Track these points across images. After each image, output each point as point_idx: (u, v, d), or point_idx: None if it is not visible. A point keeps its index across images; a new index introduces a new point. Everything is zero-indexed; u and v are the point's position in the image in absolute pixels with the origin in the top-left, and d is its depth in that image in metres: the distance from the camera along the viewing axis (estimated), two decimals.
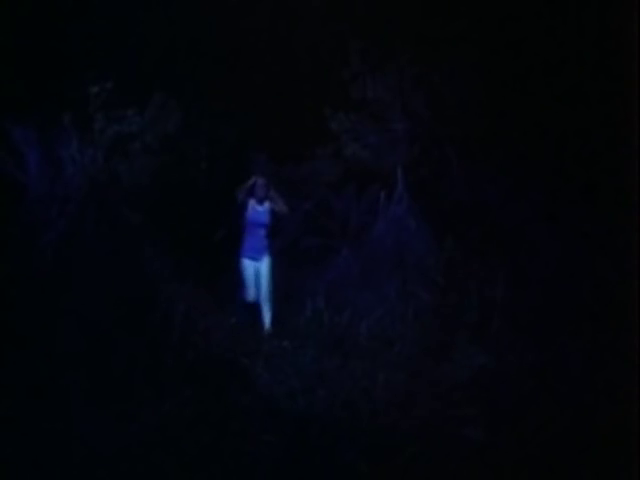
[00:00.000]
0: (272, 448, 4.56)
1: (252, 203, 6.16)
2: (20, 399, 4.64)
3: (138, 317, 5.38)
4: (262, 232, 6.14)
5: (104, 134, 6.20)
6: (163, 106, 6.27)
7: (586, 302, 5.29)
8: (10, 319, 5.18)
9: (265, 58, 6.16)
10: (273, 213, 6.14)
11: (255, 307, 6.09)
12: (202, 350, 5.32)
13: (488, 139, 5.82)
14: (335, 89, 6.24)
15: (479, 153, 5.89)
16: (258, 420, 4.73)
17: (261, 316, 6.06)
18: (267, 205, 6.12)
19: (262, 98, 6.27)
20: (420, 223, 6.05)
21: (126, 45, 6.16)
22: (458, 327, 5.56)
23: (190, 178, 6.23)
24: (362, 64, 6.18)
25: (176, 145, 6.25)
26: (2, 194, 5.64)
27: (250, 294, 6.12)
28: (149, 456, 4.43)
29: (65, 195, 5.80)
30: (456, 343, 5.42)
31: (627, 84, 5.06)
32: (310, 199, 6.33)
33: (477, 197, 5.87)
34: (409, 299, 5.76)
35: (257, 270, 6.16)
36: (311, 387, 5.09)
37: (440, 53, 5.97)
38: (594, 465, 4.42)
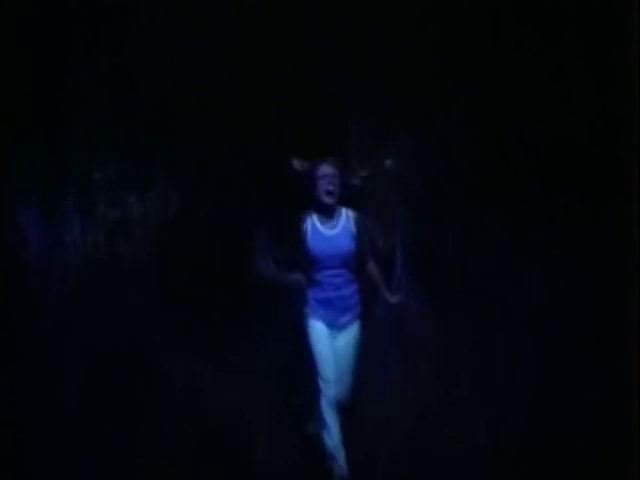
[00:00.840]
0: None
1: (313, 221, 5.17)
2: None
3: (137, 388, 5.34)
4: (341, 273, 5.08)
5: (106, 218, 6.29)
6: (163, 192, 6.39)
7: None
8: (8, 391, 5.16)
9: (262, 141, 6.25)
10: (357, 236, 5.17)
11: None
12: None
13: (486, 212, 5.87)
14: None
15: (477, 227, 5.93)
16: None
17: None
18: (345, 222, 5.16)
19: (261, 183, 6.33)
20: (419, 301, 6.02)
21: (128, 133, 6.29)
22: (461, 405, 5.52)
23: (190, 256, 6.23)
24: (360, 146, 6.30)
25: (176, 228, 6.31)
26: (4, 269, 5.69)
27: (333, 391, 4.97)
28: None
29: (65, 273, 5.84)
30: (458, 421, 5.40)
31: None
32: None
33: (475, 269, 5.88)
34: (409, 376, 5.71)
35: (335, 348, 5.04)
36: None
37: (438, 135, 6.09)
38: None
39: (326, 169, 5.23)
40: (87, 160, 6.18)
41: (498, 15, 5.93)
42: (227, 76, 6.14)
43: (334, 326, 5.14)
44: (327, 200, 5.18)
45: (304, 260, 5.21)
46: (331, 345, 5.11)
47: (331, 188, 5.16)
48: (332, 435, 4.88)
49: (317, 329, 5.09)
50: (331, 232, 5.15)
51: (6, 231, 5.84)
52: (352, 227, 5.24)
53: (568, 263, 5.61)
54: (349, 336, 5.16)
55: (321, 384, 5.00)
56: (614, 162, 5.59)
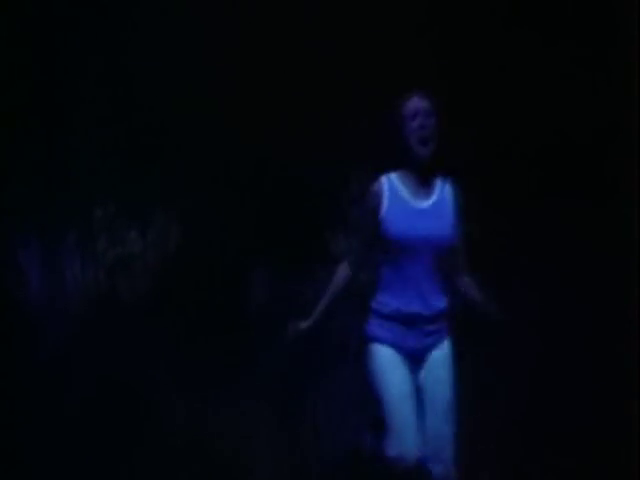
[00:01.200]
0: None
1: (394, 185, 3.46)
2: None
3: (133, 429, 5.34)
4: (429, 271, 3.41)
5: (106, 255, 6.29)
6: (164, 228, 6.39)
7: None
8: (8, 431, 5.14)
9: (265, 183, 6.28)
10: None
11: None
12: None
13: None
14: (335, 213, 6.35)
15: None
16: None
17: None
18: (443, 194, 3.51)
19: (262, 224, 6.35)
20: None
21: (129, 171, 6.30)
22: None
23: (190, 294, 6.23)
24: (360, 189, 6.32)
25: (176, 264, 6.31)
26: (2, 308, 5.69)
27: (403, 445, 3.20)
28: None
29: (65, 310, 5.84)
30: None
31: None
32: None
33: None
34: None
35: (419, 381, 3.42)
36: None
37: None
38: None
39: (418, 104, 3.52)
40: (87, 197, 6.18)
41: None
42: (229, 116, 6.14)
43: (412, 356, 3.51)
44: (423, 152, 3.47)
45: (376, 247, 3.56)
46: (411, 381, 3.43)
47: (427, 133, 3.45)
48: None
49: (386, 356, 3.44)
50: (422, 204, 3.48)
51: (6, 272, 5.83)
52: (451, 204, 3.56)
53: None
54: (438, 369, 3.49)
55: (387, 442, 3.34)
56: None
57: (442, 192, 3.58)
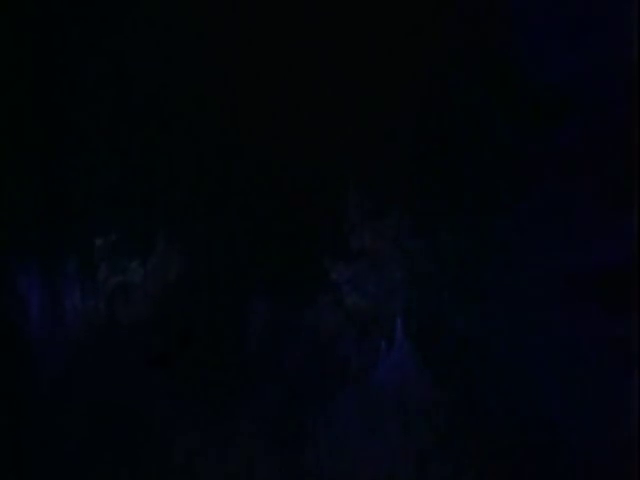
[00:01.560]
0: None
1: None
2: None
3: (135, 461, 5.31)
4: None
5: (107, 284, 6.29)
6: (165, 257, 6.40)
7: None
8: (8, 455, 5.15)
9: (264, 211, 6.29)
10: None
11: None
12: None
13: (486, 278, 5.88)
14: (334, 240, 6.35)
15: (477, 292, 5.94)
16: None
17: None
18: None
19: (262, 250, 6.36)
20: (421, 367, 6.01)
21: (129, 199, 6.32)
22: (462, 469, 5.49)
23: (190, 323, 6.23)
24: (360, 216, 6.34)
25: (177, 293, 6.32)
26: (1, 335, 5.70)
27: None
28: None
29: (65, 339, 5.84)
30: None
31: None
32: (310, 345, 6.31)
33: (476, 335, 5.87)
34: (411, 444, 5.67)
35: None
36: None
37: (438, 203, 6.13)
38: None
39: None
40: (88, 227, 6.21)
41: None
42: (229, 140, 6.18)
43: None
44: None
45: None
46: None
47: None
48: None
49: None
50: None
51: (6, 300, 5.84)
52: None
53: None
54: None
55: None
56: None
57: None
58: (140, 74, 6.18)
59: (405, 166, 6.13)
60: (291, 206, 6.27)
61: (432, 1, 5.99)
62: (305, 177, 6.17)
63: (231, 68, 6.14)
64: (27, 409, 5.63)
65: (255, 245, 6.31)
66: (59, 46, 6.07)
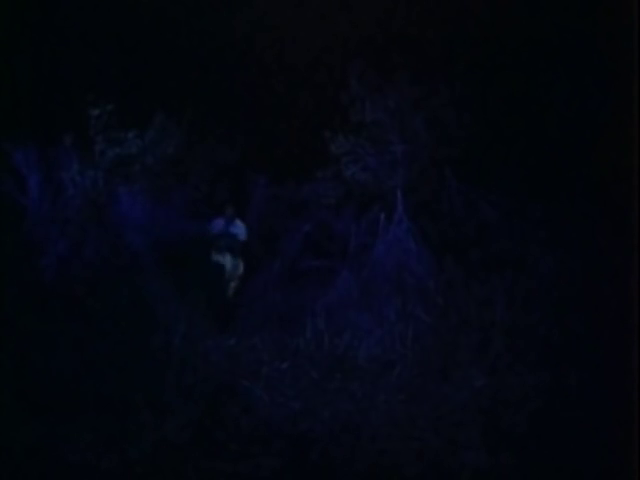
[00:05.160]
0: (272, 471, 4.54)
1: None
2: (17, 416, 4.63)
3: (137, 338, 5.38)
4: None
5: (104, 156, 6.22)
6: (163, 128, 6.31)
7: (586, 321, 5.29)
8: (10, 340, 5.20)
9: (265, 81, 6.17)
10: None
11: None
12: (201, 372, 5.30)
13: (487, 160, 5.83)
14: (334, 112, 6.24)
15: (478, 174, 5.90)
16: (258, 442, 4.72)
17: None
18: None
19: (262, 121, 6.28)
20: (420, 244, 6.04)
21: (127, 67, 6.18)
22: (458, 348, 5.57)
23: (190, 199, 6.21)
24: (360, 87, 6.21)
25: (176, 167, 6.27)
26: (2, 215, 5.68)
27: None
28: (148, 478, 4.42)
29: (65, 216, 5.83)
30: (456, 364, 5.45)
31: (626, 102, 5.09)
32: (310, 221, 6.32)
33: (476, 217, 5.88)
34: (409, 320, 5.74)
35: None
36: (311, 409, 5.10)
37: (439, 75, 6.00)
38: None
39: None
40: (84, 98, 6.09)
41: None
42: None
43: None
44: None
45: None
46: None
47: None
48: None
49: None
50: None
51: (4, 176, 5.80)
52: None
53: (572, 224, 5.59)
54: None
55: None
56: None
57: None
58: None
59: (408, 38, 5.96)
60: (291, 78, 6.15)
61: None
62: (306, 50, 6.01)
63: None
64: (29, 288, 5.65)
65: (254, 119, 6.21)
66: None
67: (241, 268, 6.47)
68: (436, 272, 5.95)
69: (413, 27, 5.93)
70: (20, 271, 5.55)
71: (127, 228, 5.94)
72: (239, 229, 6.43)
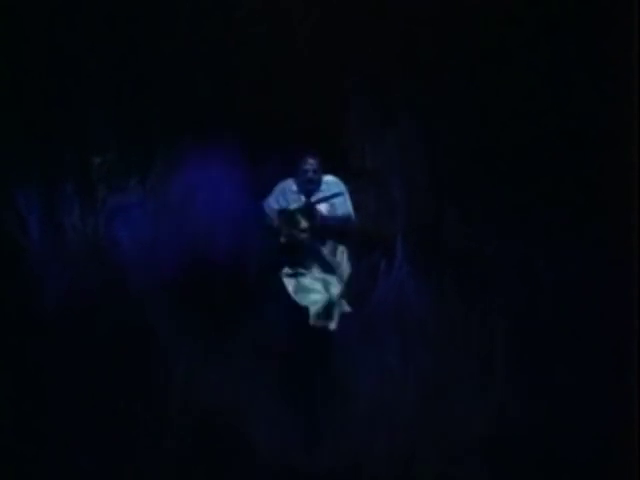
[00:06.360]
0: None
1: None
2: (17, 444, 4.59)
3: (138, 374, 5.36)
4: None
5: (106, 203, 6.27)
6: (164, 175, 6.37)
7: (591, 347, 5.26)
8: (10, 376, 5.19)
9: (265, 123, 6.22)
10: None
11: None
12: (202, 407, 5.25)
13: (488, 192, 5.86)
14: (335, 157, 6.29)
15: (479, 208, 5.92)
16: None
17: None
18: None
19: (259, 171, 6.29)
20: (420, 285, 6.02)
21: (129, 117, 6.27)
22: (460, 385, 5.54)
23: (189, 241, 6.21)
24: (361, 132, 6.29)
25: (176, 213, 6.30)
26: (3, 254, 5.70)
27: None
28: None
29: (66, 258, 5.85)
30: (458, 401, 5.41)
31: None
32: None
33: (476, 251, 5.89)
34: (409, 360, 5.72)
35: None
36: (312, 445, 5.03)
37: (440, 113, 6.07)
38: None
39: None
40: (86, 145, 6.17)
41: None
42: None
43: None
44: None
45: None
46: None
47: None
48: None
49: None
50: None
51: (5, 216, 5.83)
52: None
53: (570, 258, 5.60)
54: None
55: None
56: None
57: None
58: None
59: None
60: (290, 120, 6.18)
61: None
62: (305, 93, 6.08)
63: None
64: (29, 329, 5.64)
65: (254, 161, 6.24)
66: None
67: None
68: (436, 310, 5.92)
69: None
70: (19, 310, 5.55)
71: (130, 268, 5.95)
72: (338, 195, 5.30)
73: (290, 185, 5.42)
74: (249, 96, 6.15)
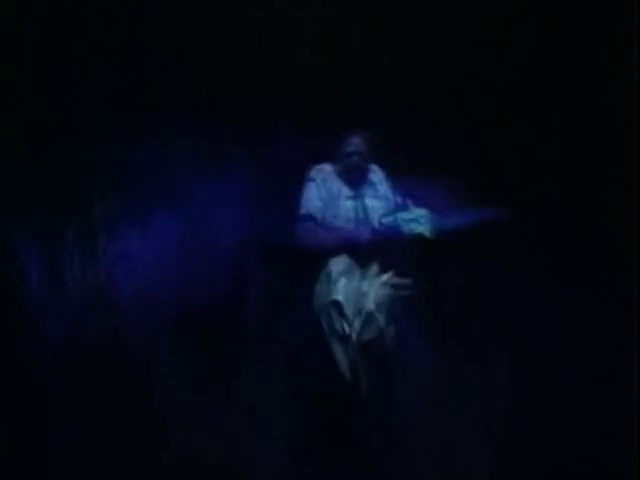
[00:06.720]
0: None
1: None
2: None
3: (138, 424, 5.31)
4: None
5: (107, 253, 6.27)
6: (164, 225, 6.38)
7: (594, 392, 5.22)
8: (7, 427, 5.14)
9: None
10: None
11: None
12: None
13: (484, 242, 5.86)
14: None
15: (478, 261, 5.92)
16: None
17: None
18: None
19: (257, 197, 6.28)
20: (421, 339, 5.97)
21: (130, 167, 6.31)
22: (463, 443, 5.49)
23: (189, 290, 6.19)
24: None
25: (176, 261, 6.29)
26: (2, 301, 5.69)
27: None
28: None
29: (66, 306, 5.82)
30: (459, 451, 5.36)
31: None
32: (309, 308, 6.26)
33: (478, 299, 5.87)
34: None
35: None
36: None
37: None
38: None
39: None
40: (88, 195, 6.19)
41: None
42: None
43: None
44: None
45: None
46: None
47: None
48: None
49: None
50: None
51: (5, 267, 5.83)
52: None
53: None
54: None
55: None
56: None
57: None
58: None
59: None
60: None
61: None
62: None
63: None
64: (28, 381, 5.61)
65: (253, 197, 6.21)
66: None
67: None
68: (438, 365, 5.87)
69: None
70: (17, 355, 5.52)
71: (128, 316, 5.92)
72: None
73: (329, 173, 4.54)
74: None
